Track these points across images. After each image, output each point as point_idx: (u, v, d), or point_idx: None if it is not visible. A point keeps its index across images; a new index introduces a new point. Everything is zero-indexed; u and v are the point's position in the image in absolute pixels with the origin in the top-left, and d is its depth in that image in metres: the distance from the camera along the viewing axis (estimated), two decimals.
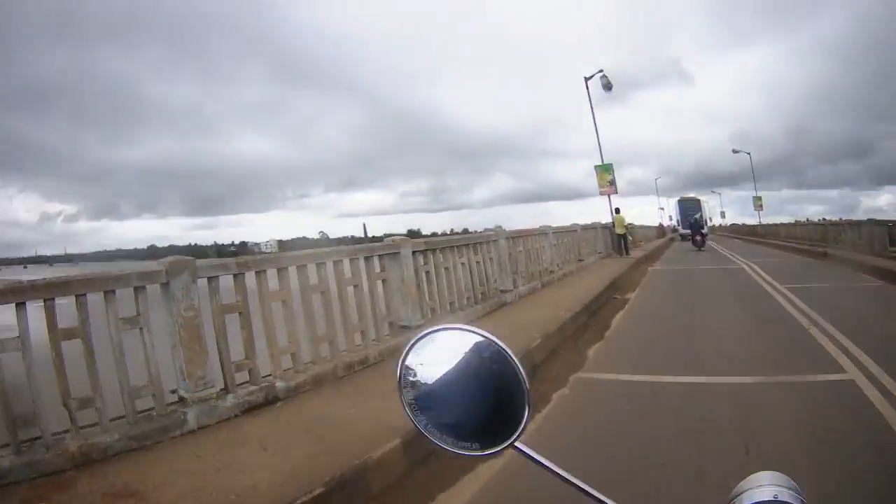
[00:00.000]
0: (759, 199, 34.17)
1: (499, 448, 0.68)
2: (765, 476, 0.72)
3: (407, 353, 0.71)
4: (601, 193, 18.45)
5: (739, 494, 0.70)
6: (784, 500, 0.68)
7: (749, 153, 32.56)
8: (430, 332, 0.72)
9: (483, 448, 0.69)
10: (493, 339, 0.71)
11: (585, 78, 17.87)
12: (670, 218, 45.96)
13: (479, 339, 0.70)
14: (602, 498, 0.67)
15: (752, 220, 36.85)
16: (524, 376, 0.68)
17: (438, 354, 0.71)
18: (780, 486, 0.70)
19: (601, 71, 17.84)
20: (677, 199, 41.94)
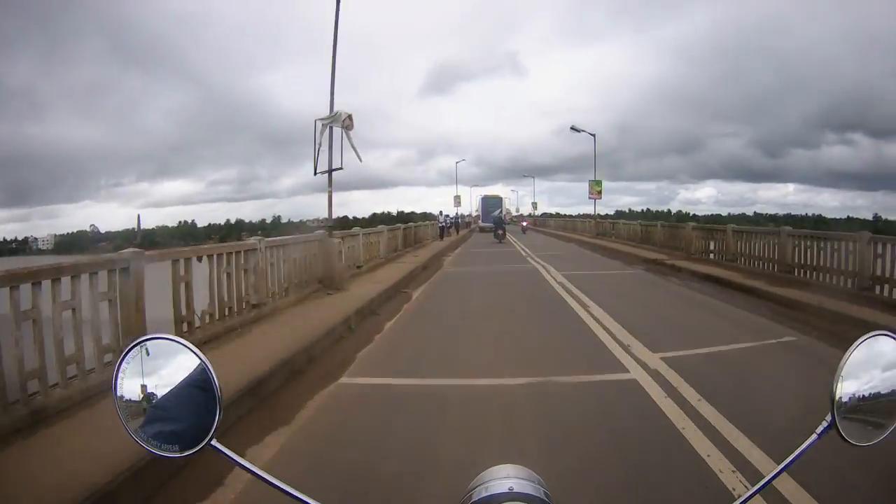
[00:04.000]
0: (599, 182, 27.38)
1: (196, 449, 0.72)
2: (502, 469, 0.72)
3: (120, 362, 0.73)
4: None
5: (476, 487, 0.70)
6: (521, 491, 0.67)
7: (594, 134, 27.09)
8: (141, 341, 0.74)
9: (182, 450, 0.72)
10: (189, 345, 0.74)
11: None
12: (476, 210, 48.47)
13: (181, 346, 0.74)
14: (303, 498, 0.69)
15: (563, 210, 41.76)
16: (216, 381, 0.73)
17: (151, 363, 0.73)
18: (518, 478, 0.70)
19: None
20: (481, 196, 45.70)
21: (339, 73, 9.71)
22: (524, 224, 39.79)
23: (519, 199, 69.35)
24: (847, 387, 0.74)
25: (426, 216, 38.81)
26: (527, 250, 19.85)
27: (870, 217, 65.47)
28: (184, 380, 0.73)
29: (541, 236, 32.87)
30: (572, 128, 27.17)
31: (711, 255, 12.97)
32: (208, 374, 0.73)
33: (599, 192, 27.12)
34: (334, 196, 9.64)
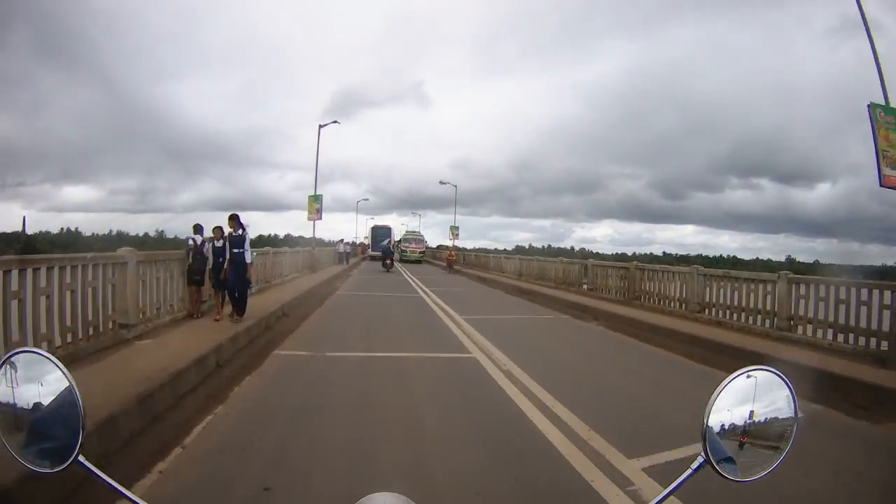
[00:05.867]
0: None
1: (64, 465, 0.73)
2: (378, 498, 0.73)
3: None
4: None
5: None
6: None
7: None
8: (14, 354, 0.75)
9: (53, 465, 0.73)
10: (57, 363, 0.75)
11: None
12: (366, 238, 50.30)
13: (49, 364, 0.74)
14: None
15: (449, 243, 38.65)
16: (79, 400, 0.74)
17: (23, 376, 0.73)
18: None
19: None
20: (371, 226, 48.83)
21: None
22: (451, 257, 29.62)
23: (419, 228, 66.77)
24: (719, 422, 0.72)
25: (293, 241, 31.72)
26: None
27: (782, 259, 68.31)
28: (54, 397, 0.73)
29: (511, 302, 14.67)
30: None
31: None
32: (73, 393, 0.74)
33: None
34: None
